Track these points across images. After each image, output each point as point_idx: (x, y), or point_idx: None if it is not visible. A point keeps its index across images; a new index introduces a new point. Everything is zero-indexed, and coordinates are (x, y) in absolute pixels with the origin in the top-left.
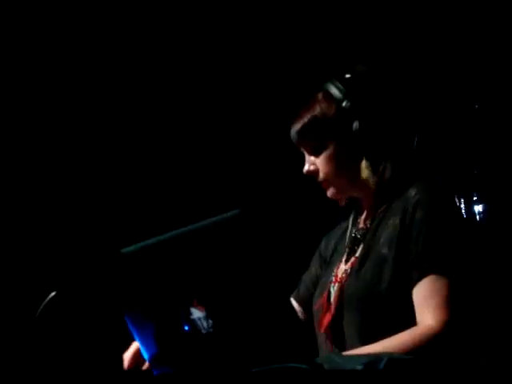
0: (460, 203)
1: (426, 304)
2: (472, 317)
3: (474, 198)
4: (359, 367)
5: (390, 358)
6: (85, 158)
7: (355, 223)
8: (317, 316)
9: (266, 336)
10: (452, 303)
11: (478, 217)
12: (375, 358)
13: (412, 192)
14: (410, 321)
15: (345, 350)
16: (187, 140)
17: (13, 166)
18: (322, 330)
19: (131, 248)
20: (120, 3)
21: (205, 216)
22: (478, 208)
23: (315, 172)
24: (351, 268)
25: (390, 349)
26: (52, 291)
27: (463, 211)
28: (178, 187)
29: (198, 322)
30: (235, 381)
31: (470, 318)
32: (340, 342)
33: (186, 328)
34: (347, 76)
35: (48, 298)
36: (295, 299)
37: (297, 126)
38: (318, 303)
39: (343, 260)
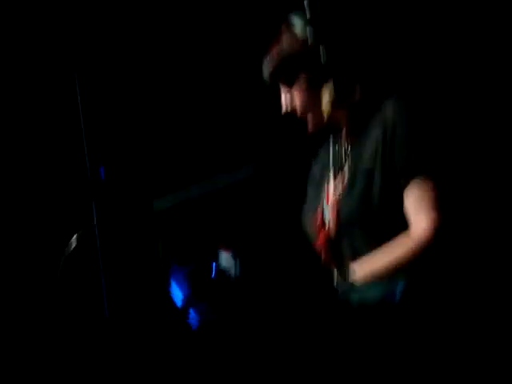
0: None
1: (416, 207)
2: (459, 216)
3: None
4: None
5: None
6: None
7: (336, 143)
8: (313, 237)
9: (287, 277)
10: (441, 203)
11: None
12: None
13: (388, 111)
14: (406, 227)
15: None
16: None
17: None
18: (323, 251)
19: (163, 203)
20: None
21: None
22: None
23: (294, 108)
24: (341, 186)
25: (392, 258)
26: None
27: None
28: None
29: (226, 269)
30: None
31: (457, 216)
32: (343, 258)
33: (214, 271)
34: (306, 2)
35: (74, 239)
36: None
37: (267, 66)
38: (312, 224)
39: (331, 177)
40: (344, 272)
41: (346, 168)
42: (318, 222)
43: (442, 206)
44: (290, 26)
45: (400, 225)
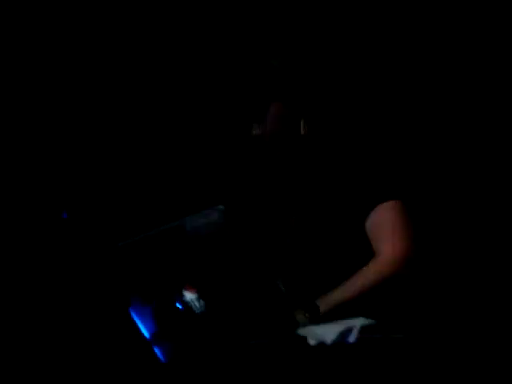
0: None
1: (379, 234)
2: (420, 239)
3: None
4: (334, 338)
5: (361, 327)
6: (79, 154)
7: (292, 177)
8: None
9: (250, 312)
10: (401, 228)
11: None
12: (347, 327)
13: (346, 144)
14: (366, 255)
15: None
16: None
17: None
18: (290, 287)
19: (127, 241)
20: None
21: (190, 211)
22: None
23: (262, 134)
24: (302, 219)
25: (357, 288)
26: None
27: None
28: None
29: (191, 303)
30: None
31: (418, 239)
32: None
33: (180, 307)
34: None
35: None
36: None
37: (243, 94)
38: (275, 260)
39: (291, 211)
40: (310, 308)
41: (305, 199)
42: (281, 257)
43: (403, 231)
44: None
45: (360, 254)
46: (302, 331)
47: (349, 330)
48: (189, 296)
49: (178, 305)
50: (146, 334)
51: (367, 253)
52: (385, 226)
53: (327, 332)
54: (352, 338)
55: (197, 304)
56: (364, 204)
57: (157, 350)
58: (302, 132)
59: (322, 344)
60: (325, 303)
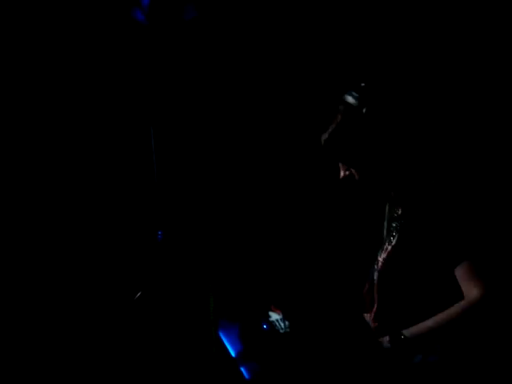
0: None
1: (468, 281)
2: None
3: None
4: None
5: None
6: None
7: (391, 212)
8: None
9: (333, 333)
10: (491, 273)
11: None
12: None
13: (430, 186)
14: (443, 300)
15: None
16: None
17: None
18: (372, 323)
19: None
20: None
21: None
22: None
23: (351, 175)
24: (388, 256)
25: (443, 321)
26: None
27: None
28: None
29: (276, 323)
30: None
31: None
32: (387, 327)
33: (265, 327)
34: (362, 85)
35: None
36: None
37: (325, 138)
38: (364, 288)
39: (384, 250)
40: (395, 339)
41: (395, 237)
42: (367, 291)
43: (492, 276)
44: (346, 103)
45: (437, 297)
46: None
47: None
48: (274, 316)
49: (263, 325)
50: (232, 352)
51: (452, 295)
52: (476, 272)
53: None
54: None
55: (281, 324)
56: (458, 253)
57: (242, 369)
58: (374, 140)
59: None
60: (409, 332)
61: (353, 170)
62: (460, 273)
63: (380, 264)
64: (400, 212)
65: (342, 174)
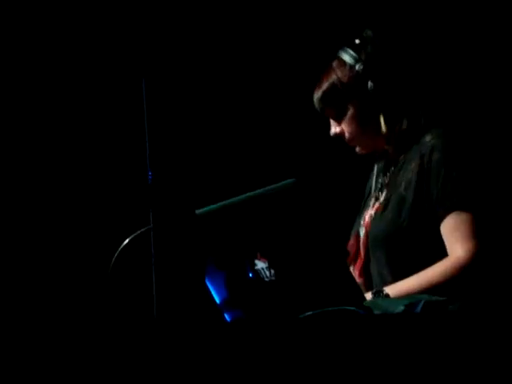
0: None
1: (454, 237)
2: (494, 247)
3: None
4: (401, 308)
5: (427, 301)
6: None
7: (380, 171)
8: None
9: (319, 282)
10: (477, 234)
11: None
12: (414, 300)
13: (427, 138)
14: (433, 255)
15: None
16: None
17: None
18: (357, 278)
19: (204, 210)
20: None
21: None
22: None
23: (341, 133)
24: (375, 212)
25: (425, 281)
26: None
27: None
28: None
29: (262, 272)
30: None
31: (493, 248)
32: (372, 282)
33: (251, 275)
34: (357, 42)
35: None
36: None
37: (318, 95)
38: (349, 244)
39: (370, 205)
40: (378, 292)
41: (382, 197)
42: (353, 246)
43: (478, 236)
44: (340, 61)
45: (426, 252)
46: (367, 303)
47: (414, 304)
48: (260, 265)
49: (249, 273)
50: (217, 299)
51: (436, 252)
52: (461, 229)
53: (392, 304)
54: (418, 309)
55: (267, 273)
56: (444, 205)
57: (226, 316)
58: (384, 130)
59: (386, 314)
60: (392, 290)
61: (344, 127)
62: (446, 228)
63: (367, 220)
64: (390, 170)
65: (332, 130)
